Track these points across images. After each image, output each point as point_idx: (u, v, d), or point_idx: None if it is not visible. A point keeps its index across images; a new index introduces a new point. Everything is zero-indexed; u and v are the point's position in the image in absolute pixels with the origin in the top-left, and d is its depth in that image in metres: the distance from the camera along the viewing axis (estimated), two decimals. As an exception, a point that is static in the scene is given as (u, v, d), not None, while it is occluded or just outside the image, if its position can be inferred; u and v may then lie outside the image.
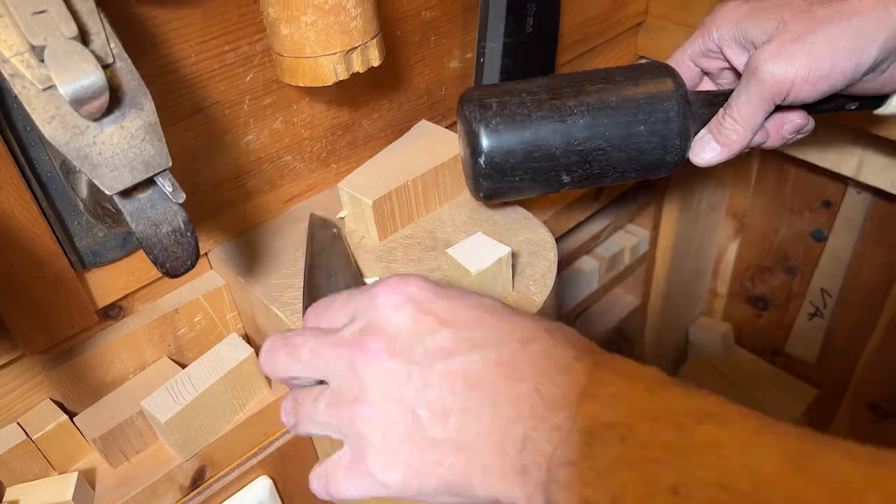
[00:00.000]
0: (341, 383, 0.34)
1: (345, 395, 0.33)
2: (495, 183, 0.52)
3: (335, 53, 0.48)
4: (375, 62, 0.51)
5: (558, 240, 0.96)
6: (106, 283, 0.54)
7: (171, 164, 0.37)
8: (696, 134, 0.54)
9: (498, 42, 0.68)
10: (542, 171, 0.52)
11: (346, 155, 0.64)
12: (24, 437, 0.53)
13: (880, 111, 0.54)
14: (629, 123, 0.51)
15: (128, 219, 0.38)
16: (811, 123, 0.54)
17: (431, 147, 0.61)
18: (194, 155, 0.53)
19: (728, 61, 0.54)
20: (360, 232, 0.59)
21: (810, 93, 0.48)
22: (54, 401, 0.56)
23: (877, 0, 0.46)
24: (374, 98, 0.63)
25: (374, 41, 0.50)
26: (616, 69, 0.55)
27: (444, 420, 0.32)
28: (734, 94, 0.51)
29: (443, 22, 0.64)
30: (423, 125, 0.66)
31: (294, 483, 0.66)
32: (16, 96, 0.42)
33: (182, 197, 0.37)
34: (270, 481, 0.63)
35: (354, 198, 0.57)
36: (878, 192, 0.96)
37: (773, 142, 0.54)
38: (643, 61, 0.89)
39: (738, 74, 0.53)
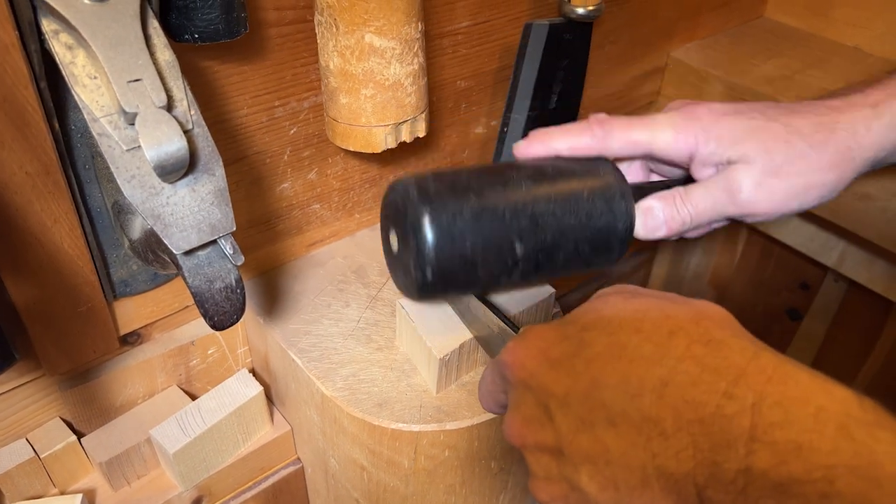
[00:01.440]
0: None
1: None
2: (443, 260, 0.42)
3: (388, 125, 0.51)
4: (421, 134, 0.54)
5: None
6: (131, 312, 0.55)
7: (234, 228, 0.39)
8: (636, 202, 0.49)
9: (523, 114, 0.72)
10: (492, 239, 0.44)
11: (370, 206, 0.66)
12: (33, 454, 0.54)
13: None
14: (571, 188, 0.47)
15: (186, 274, 0.40)
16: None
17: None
18: (233, 198, 0.55)
19: (680, 165, 0.50)
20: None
21: (772, 220, 0.48)
22: (63, 419, 0.57)
23: (856, 117, 0.46)
24: (403, 156, 0.66)
25: (423, 115, 0.53)
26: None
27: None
28: (697, 189, 0.48)
29: (475, 91, 0.68)
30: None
31: (283, 518, 0.67)
32: (80, 137, 0.45)
33: (241, 260, 0.40)
34: (261, 515, 0.64)
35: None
36: (854, 284, 1.01)
37: (696, 233, 0.52)
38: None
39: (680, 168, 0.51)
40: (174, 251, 0.38)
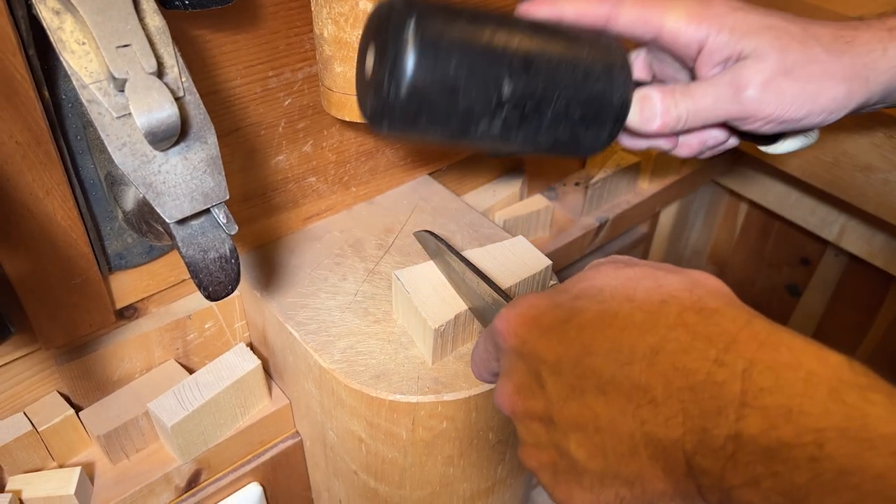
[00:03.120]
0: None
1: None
2: (422, 76, 0.38)
3: (382, 95, 0.50)
4: (417, 102, 0.53)
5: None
6: (127, 286, 0.55)
7: (228, 196, 0.39)
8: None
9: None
10: (480, 67, 0.40)
11: (366, 179, 0.66)
12: (31, 427, 0.54)
13: (769, 149, 0.52)
14: (573, 44, 0.44)
15: (179, 244, 0.39)
16: (732, 141, 0.51)
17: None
18: (229, 170, 0.55)
19: (686, 58, 0.47)
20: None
21: (773, 129, 0.46)
22: (61, 393, 0.57)
23: (874, 37, 0.45)
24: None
25: (419, 83, 0.52)
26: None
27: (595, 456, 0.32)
28: (700, 85, 0.46)
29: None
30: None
31: (282, 491, 0.68)
32: (72, 106, 0.44)
33: (235, 229, 0.39)
34: (261, 488, 0.65)
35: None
36: (854, 258, 1.01)
37: (684, 151, 0.51)
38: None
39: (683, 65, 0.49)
40: (167, 220, 0.37)
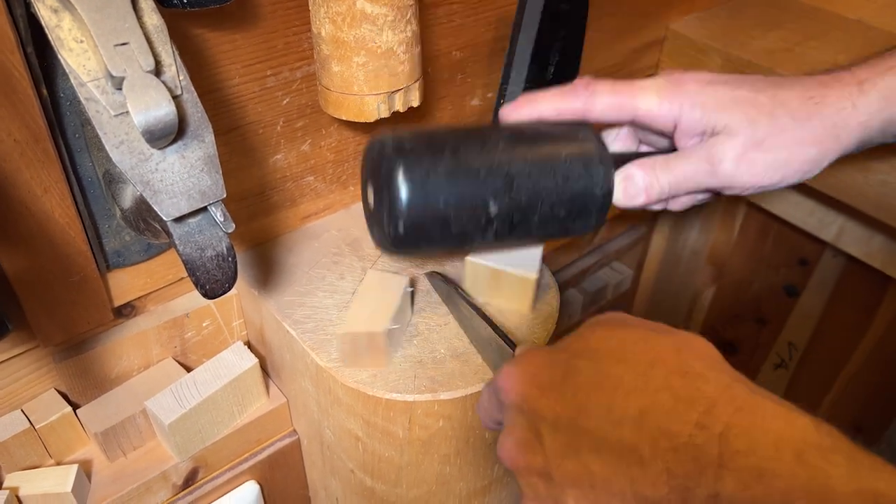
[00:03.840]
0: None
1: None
2: (416, 215, 0.43)
3: (381, 94, 0.50)
4: (415, 103, 0.53)
5: (554, 273, 1.00)
6: (124, 284, 0.55)
7: (225, 195, 0.39)
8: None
9: (519, 86, 0.71)
10: (466, 197, 0.44)
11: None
12: (28, 425, 0.54)
13: None
14: (549, 151, 0.46)
15: (177, 242, 0.39)
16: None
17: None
18: (227, 168, 0.55)
19: (665, 133, 0.49)
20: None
21: (754, 192, 0.47)
22: (59, 391, 0.57)
23: (842, 94, 0.45)
24: (397, 128, 0.65)
25: (417, 84, 0.53)
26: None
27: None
28: (679, 158, 0.47)
29: (470, 62, 0.67)
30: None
31: (279, 489, 0.68)
32: (70, 105, 0.44)
33: (232, 227, 0.40)
34: (258, 486, 0.65)
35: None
36: (852, 259, 1.01)
37: (676, 206, 0.52)
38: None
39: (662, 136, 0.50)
40: (164, 218, 0.37)
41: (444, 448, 0.54)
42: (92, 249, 0.50)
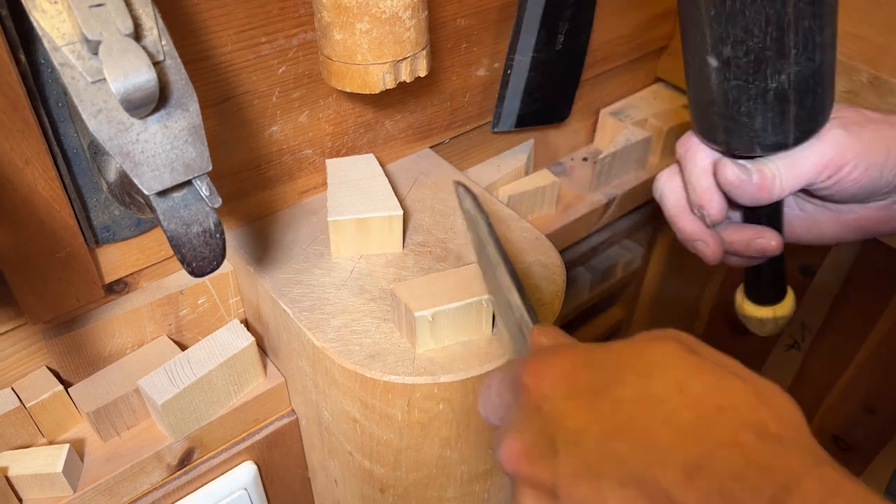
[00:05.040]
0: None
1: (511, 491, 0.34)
2: None
3: (386, 63, 0.48)
4: (422, 73, 0.51)
5: (561, 251, 0.97)
6: (115, 260, 0.53)
7: (210, 167, 0.37)
8: None
9: (527, 56, 0.68)
10: None
11: (365, 151, 0.64)
12: (18, 403, 0.53)
13: None
14: None
15: (160, 217, 0.37)
16: (777, 245, 0.50)
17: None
18: (218, 140, 0.53)
19: None
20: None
21: (857, 179, 0.46)
22: (50, 369, 0.56)
23: None
24: (400, 100, 0.63)
25: (424, 52, 0.50)
26: None
27: None
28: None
29: (476, 31, 0.64)
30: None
31: (278, 470, 0.66)
32: (51, 72, 0.42)
33: (218, 202, 0.37)
34: (255, 467, 0.63)
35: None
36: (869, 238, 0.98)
37: (737, 253, 0.51)
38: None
39: None
40: (145, 192, 0.35)
41: (445, 431, 0.52)
42: (79, 224, 0.48)
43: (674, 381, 0.29)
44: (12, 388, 0.54)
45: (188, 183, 0.37)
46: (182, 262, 0.39)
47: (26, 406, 0.53)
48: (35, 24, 0.34)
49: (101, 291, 0.53)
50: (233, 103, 0.52)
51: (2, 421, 0.52)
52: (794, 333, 1.17)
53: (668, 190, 0.52)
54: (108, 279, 0.54)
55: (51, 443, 0.56)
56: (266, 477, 0.66)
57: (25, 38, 0.40)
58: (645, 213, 1.06)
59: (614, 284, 1.10)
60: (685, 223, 0.52)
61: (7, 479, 0.51)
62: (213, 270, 0.40)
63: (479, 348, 0.50)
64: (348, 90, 0.50)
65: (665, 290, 1.20)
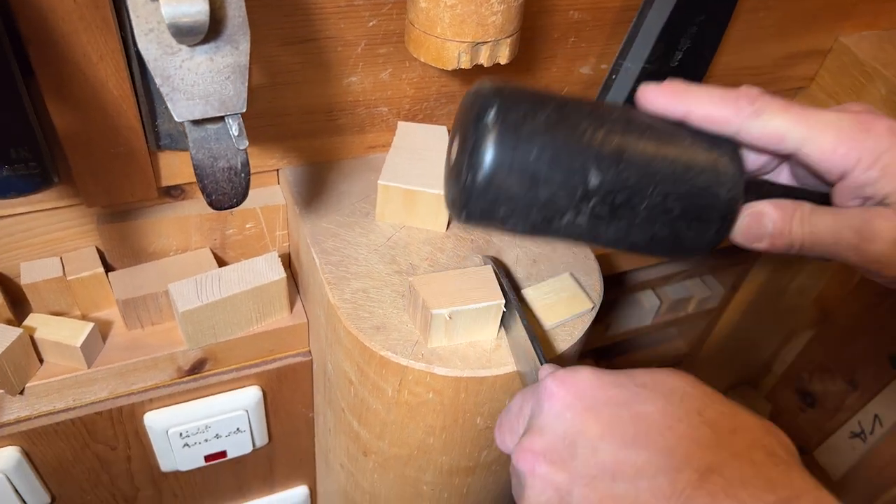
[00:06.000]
0: (518, 482, 0.36)
1: (518, 490, 0.36)
2: (501, 163, 0.36)
3: (465, 42, 0.46)
4: (503, 61, 0.49)
5: (630, 270, 0.93)
6: (174, 167, 0.55)
7: (245, 109, 0.37)
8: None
9: (637, 64, 0.64)
10: (564, 157, 0.37)
11: (442, 122, 0.63)
12: (61, 273, 0.57)
13: None
14: (672, 130, 0.39)
15: (190, 144, 0.38)
16: None
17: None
18: (295, 79, 0.53)
19: (825, 179, 0.41)
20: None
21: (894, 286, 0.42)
22: (99, 250, 0.59)
23: None
24: (490, 77, 0.61)
25: (509, 40, 0.48)
26: None
27: None
28: (824, 217, 0.39)
29: (588, 27, 0.61)
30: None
31: (284, 403, 0.68)
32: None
33: (245, 144, 0.38)
34: (261, 393, 0.66)
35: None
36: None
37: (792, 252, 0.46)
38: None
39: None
40: (175, 118, 0.36)
41: (431, 419, 0.52)
42: (143, 127, 0.50)
43: (693, 405, 0.33)
44: (60, 259, 0.58)
45: (222, 118, 0.38)
46: (202, 192, 0.40)
47: (67, 278, 0.57)
48: (112, -68, 0.34)
49: (154, 192, 0.55)
50: (315, 45, 0.52)
51: (44, 286, 0.56)
52: (864, 422, 1.08)
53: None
54: (165, 183, 0.56)
55: (84, 317, 0.60)
56: (270, 406, 0.68)
57: (121, -59, 0.42)
58: (738, 252, 1.00)
59: (683, 317, 1.05)
60: None
61: (32, 339, 0.55)
62: (231, 207, 0.41)
63: (483, 350, 0.49)
64: (422, 60, 0.49)
65: (740, 336, 1.14)
